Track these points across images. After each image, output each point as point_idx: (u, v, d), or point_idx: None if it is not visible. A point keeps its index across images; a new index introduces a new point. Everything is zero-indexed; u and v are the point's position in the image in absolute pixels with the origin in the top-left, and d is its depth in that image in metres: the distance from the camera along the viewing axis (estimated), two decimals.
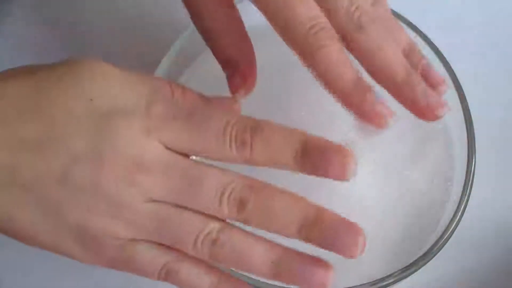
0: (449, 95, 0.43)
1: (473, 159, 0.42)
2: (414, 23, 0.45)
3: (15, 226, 0.34)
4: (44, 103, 0.34)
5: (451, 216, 0.41)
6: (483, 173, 0.43)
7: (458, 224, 0.40)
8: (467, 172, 0.41)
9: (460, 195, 0.41)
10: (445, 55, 0.44)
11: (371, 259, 0.41)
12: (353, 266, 0.41)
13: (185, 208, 0.34)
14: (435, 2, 0.55)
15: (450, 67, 0.44)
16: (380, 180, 0.43)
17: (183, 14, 0.41)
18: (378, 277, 0.39)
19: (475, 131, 0.42)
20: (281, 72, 0.41)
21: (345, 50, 0.36)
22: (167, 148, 0.34)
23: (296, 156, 0.34)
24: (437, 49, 0.44)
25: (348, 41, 0.36)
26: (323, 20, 0.36)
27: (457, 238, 0.41)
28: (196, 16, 0.41)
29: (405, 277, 0.39)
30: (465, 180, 0.41)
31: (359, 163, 0.42)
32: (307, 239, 0.34)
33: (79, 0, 0.55)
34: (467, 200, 0.41)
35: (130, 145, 0.34)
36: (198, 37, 0.41)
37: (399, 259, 0.40)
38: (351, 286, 0.38)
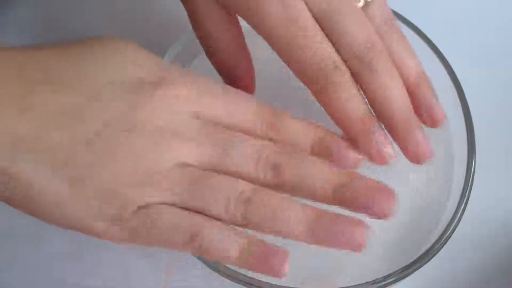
0: (449, 95, 0.44)
1: (473, 159, 0.42)
2: (414, 23, 0.45)
3: (35, 195, 0.33)
4: (78, 72, 0.34)
5: (451, 216, 0.40)
6: (483, 173, 0.43)
7: (458, 224, 0.40)
8: (467, 172, 0.41)
9: (460, 195, 0.41)
10: (445, 55, 0.44)
11: (371, 259, 0.41)
12: (353, 266, 0.41)
13: (218, 172, 0.34)
14: (435, 2, 0.55)
15: (450, 67, 0.44)
16: (379, 180, 0.43)
17: (183, 14, 0.41)
18: (378, 277, 0.39)
19: (475, 131, 0.42)
20: (281, 72, 0.41)
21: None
22: (200, 117, 0.35)
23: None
24: (437, 49, 0.44)
25: (356, 78, 0.37)
26: (335, 59, 0.37)
27: (457, 238, 0.41)
28: (201, 32, 0.41)
29: (405, 276, 0.39)
30: (465, 180, 0.41)
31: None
32: (342, 201, 0.34)
33: (79, 1, 0.55)
34: (467, 200, 0.41)
35: (164, 111, 0.34)
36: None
37: (399, 258, 0.40)
38: (351, 285, 0.38)
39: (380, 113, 0.37)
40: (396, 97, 0.37)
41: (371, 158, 0.37)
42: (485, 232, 0.47)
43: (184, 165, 0.34)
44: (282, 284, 0.38)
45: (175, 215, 0.34)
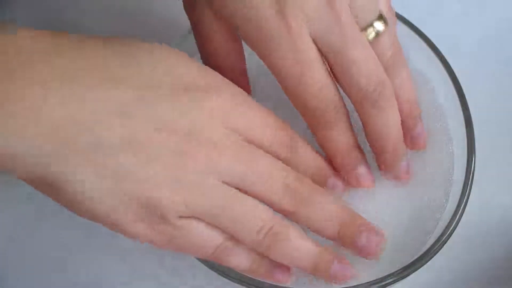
0: (449, 95, 0.44)
1: (473, 159, 0.42)
2: (414, 23, 0.45)
3: (74, 188, 0.33)
4: (129, 71, 0.34)
5: (451, 216, 0.40)
6: (483, 173, 0.43)
7: (457, 224, 0.40)
8: (466, 172, 0.41)
9: (459, 195, 0.41)
10: (445, 55, 0.44)
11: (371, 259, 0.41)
12: (353, 266, 0.41)
13: (248, 193, 0.35)
14: (435, 2, 0.55)
15: (450, 67, 0.44)
16: (380, 181, 0.43)
17: (182, 14, 0.41)
18: (378, 277, 0.39)
19: (475, 131, 0.42)
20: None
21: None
22: (237, 129, 0.35)
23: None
24: (437, 49, 0.44)
25: (358, 109, 0.39)
26: (336, 102, 0.38)
27: (456, 238, 0.41)
28: (206, 53, 0.41)
29: (405, 276, 0.39)
30: (465, 180, 0.41)
31: None
32: (342, 240, 0.38)
33: (79, 1, 0.55)
34: (467, 200, 0.41)
35: (210, 121, 0.34)
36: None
37: (398, 258, 0.40)
38: (351, 285, 0.38)
39: (373, 144, 0.40)
40: (392, 133, 0.39)
41: (351, 185, 0.41)
42: (484, 232, 0.47)
43: (220, 179, 0.35)
44: (282, 285, 0.38)
45: (207, 230, 0.35)
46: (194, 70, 0.36)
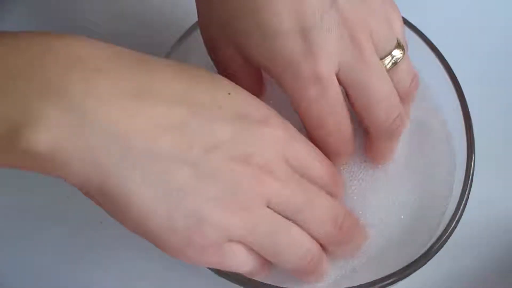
0: (449, 94, 0.44)
1: (473, 159, 0.42)
2: (414, 23, 0.45)
3: (128, 202, 0.33)
4: (189, 91, 0.34)
5: (451, 216, 0.40)
6: (483, 173, 0.43)
7: (457, 224, 0.40)
8: (466, 172, 0.41)
9: (459, 195, 0.41)
10: (445, 55, 0.44)
11: (372, 259, 0.41)
12: (355, 270, 0.41)
13: (294, 221, 0.36)
14: (435, 2, 0.55)
15: (450, 67, 0.44)
16: (381, 181, 0.43)
17: (183, 14, 0.41)
18: (378, 277, 0.39)
19: (475, 131, 0.42)
20: None
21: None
22: (287, 160, 0.36)
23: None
24: (437, 49, 0.44)
25: (370, 137, 0.41)
26: (352, 139, 0.40)
27: (456, 238, 0.41)
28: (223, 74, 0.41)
29: (405, 276, 0.39)
30: (464, 180, 0.41)
31: (362, 165, 0.42)
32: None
33: (79, 1, 0.55)
34: (467, 200, 0.41)
35: (266, 150, 0.35)
36: (194, 38, 0.41)
37: (399, 259, 0.40)
38: (351, 286, 0.38)
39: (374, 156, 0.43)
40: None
41: None
42: (484, 232, 0.47)
43: (270, 206, 0.35)
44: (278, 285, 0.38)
45: (245, 254, 0.35)
46: (250, 100, 0.36)
